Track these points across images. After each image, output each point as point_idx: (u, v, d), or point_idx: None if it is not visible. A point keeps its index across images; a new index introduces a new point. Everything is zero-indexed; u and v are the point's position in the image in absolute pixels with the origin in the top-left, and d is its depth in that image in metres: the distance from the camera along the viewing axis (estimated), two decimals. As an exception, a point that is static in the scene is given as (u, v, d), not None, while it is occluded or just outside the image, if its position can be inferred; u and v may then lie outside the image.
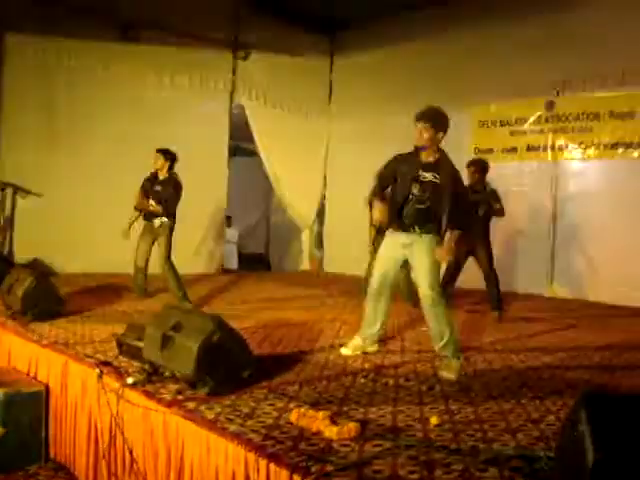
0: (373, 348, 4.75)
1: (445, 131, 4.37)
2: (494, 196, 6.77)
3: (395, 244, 4.49)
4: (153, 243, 6.95)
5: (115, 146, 9.20)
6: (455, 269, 6.80)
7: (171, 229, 6.84)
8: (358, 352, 4.64)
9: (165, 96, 9.74)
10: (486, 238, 6.74)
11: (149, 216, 6.95)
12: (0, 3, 8.17)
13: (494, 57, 9.24)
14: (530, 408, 3.42)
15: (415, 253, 4.38)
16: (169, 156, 6.96)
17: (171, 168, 6.98)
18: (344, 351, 4.65)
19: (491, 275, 6.71)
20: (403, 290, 6.88)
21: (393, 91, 10.39)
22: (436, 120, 4.34)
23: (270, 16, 10.40)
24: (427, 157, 4.40)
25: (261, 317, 6.18)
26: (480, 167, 6.85)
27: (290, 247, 12.25)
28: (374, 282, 4.61)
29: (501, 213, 6.80)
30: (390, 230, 4.55)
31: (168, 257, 6.78)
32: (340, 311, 6.86)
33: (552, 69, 8.76)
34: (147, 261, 7.02)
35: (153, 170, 7.03)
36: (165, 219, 6.82)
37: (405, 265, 4.68)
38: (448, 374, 4.09)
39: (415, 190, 4.37)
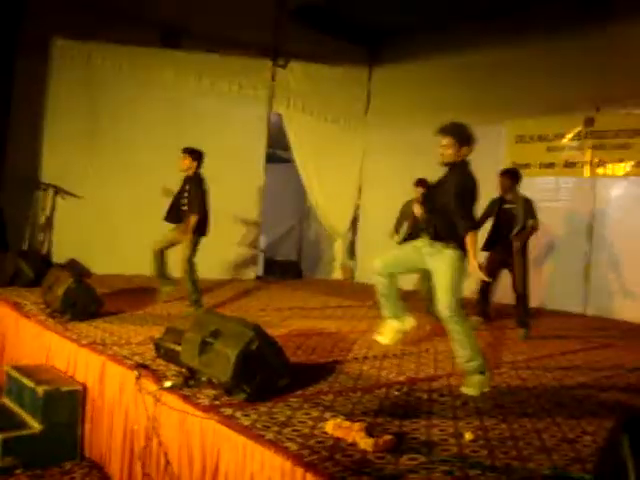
0: (410, 324, 4.46)
1: (469, 145, 4.19)
2: (529, 208, 6.63)
3: (421, 248, 4.30)
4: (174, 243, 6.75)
5: (155, 150, 9.32)
6: (486, 283, 6.62)
7: (198, 230, 6.52)
8: (398, 337, 4.43)
9: (205, 101, 9.88)
10: (523, 255, 6.58)
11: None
12: (47, 8, 8.36)
13: (532, 72, 9.21)
14: (565, 428, 3.41)
15: (436, 267, 4.18)
16: (195, 155, 6.73)
17: (198, 167, 6.72)
18: (381, 339, 4.44)
19: (521, 296, 6.55)
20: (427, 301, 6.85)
21: (430, 104, 10.38)
22: (458, 134, 4.18)
23: (309, 25, 10.48)
24: (450, 173, 4.28)
25: (294, 325, 6.22)
26: (509, 175, 6.76)
27: (322, 255, 12.29)
28: (382, 262, 4.35)
29: (534, 230, 6.67)
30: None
31: (189, 259, 6.50)
32: (372, 322, 6.85)
33: (592, 85, 8.71)
34: (162, 250, 6.75)
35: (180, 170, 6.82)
36: (194, 219, 6.48)
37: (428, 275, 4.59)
38: (468, 389, 4.04)
39: (432, 205, 4.34)
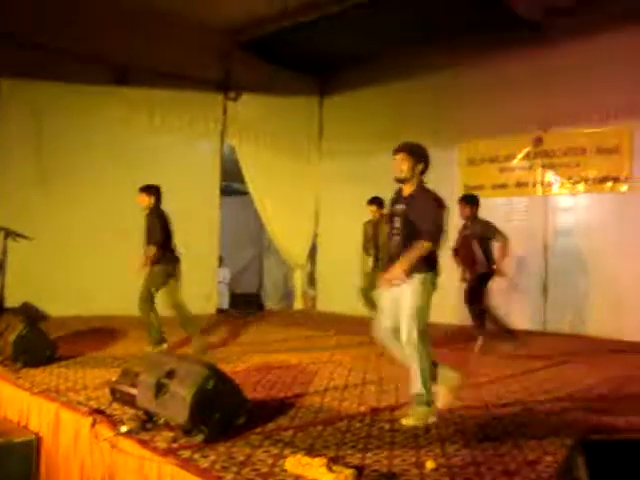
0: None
1: (425, 162, 4.20)
2: (487, 227, 6.87)
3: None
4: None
5: (108, 188, 9.24)
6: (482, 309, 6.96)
7: (162, 260, 6.43)
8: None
9: (157, 138, 9.85)
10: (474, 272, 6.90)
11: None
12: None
13: (480, 95, 9.41)
14: (526, 449, 3.40)
15: (402, 292, 4.05)
16: (151, 191, 6.65)
17: (158, 202, 6.65)
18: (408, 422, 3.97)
19: (471, 309, 6.96)
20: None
21: (381, 130, 10.50)
22: (413, 151, 4.21)
23: (260, 58, 10.55)
24: (407, 190, 4.23)
25: (254, 360, 6.15)
26: (466, 201, 7.00)
27: (283, 286, 12.23)
28: (382, 327, 4.21)
29: (500, 239, 6.85)
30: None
31: (147, 289, 6.42)
32: (333, 352, 6.83)
33: (538, 106, 8.92)
34: (173, 299, 6.69)
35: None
36: (152, 249, 6.41)
37: None
38: (407, 421, 3.90)
39: (396, 224, 4.24)
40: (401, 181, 4.23)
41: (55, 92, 8.96)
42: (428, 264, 4.07)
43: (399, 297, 4.07)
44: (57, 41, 8.68)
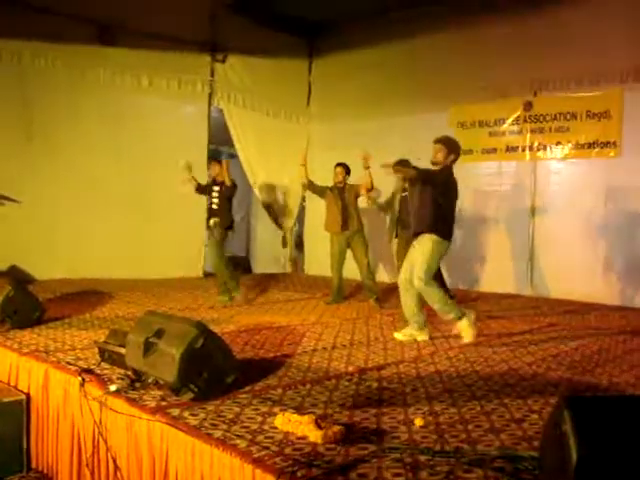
0: (423, 336, 5.37)
1: (456, 155, 5.39)
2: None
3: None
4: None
5: (94, 150, 9.14)
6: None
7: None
8: (409, 338, 5.33)
9: (144, 99, 9.71)
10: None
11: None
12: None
13: (472, 58, 9.30)
14: (513, 408, 3.44)
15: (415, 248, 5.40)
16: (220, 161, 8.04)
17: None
18: (397, 336, 5.38)
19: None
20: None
21: (371, 93, 10.44)
22: (449, 144, 5.37)
23: (248, 18, 10.38)
24: None
25: (243, 321, 6.17)
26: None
27: (271, 249, 12.21)
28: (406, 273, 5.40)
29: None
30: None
31: (221, 257, 7.73)
32: (322, 314, 6.87)
33: (529, 69, 8.86)
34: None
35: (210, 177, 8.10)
36: (217, 219, 7.66)
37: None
38: (464, 339, 5.23)
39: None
40: (434, 164, 5.37)
41: (40, 52, 8.77)
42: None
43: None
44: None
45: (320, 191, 7.95)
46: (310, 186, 8.02)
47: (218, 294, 7.80)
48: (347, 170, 7.76)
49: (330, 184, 7.83)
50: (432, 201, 5.25)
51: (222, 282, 7.78)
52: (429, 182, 5.29)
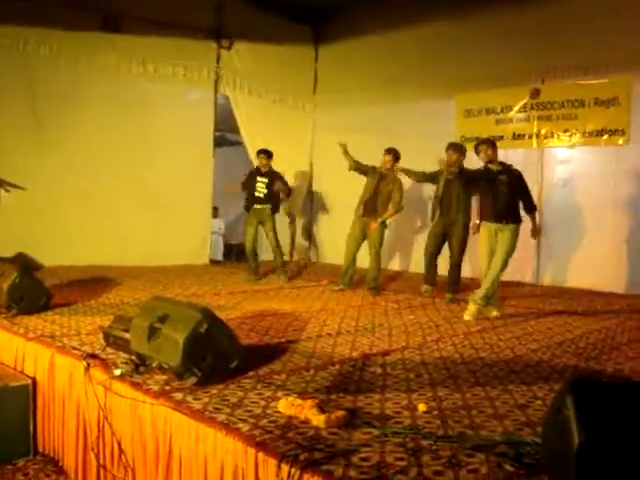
0: (495, 313, 6.07)
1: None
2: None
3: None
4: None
5: (100, 138, 9.15)
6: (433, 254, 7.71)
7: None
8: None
9: (149, 86, 9.69)
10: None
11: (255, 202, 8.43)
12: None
13: (479, 45, 9.24)
14: (517, 394, 3.44)
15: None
16: (271, 154, 8.56)
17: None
18: (466, 317, 5.85)
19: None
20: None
21: (377, 81, 10.38)
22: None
23: (254, 5, 10.33)
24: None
25: (248, 308, 6.18)
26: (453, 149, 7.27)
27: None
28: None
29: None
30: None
31: (277, 244, 8.52)
32: (327, 301, 6.87)
33: (537, 57, 8.78)
34: (255, 244, 8.54)
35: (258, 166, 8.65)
36: (269, 206, 8.43)
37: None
38: (492, 315, 5.99)
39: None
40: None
41: (45, 40, 8.77)
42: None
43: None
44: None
45: (365, 170, 7.79)
46: (357, 167, 7.79)
47: (279, 274, 8.65)
48: (396, 157, 7.61)
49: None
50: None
51: (281, 264, 8.70)
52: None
